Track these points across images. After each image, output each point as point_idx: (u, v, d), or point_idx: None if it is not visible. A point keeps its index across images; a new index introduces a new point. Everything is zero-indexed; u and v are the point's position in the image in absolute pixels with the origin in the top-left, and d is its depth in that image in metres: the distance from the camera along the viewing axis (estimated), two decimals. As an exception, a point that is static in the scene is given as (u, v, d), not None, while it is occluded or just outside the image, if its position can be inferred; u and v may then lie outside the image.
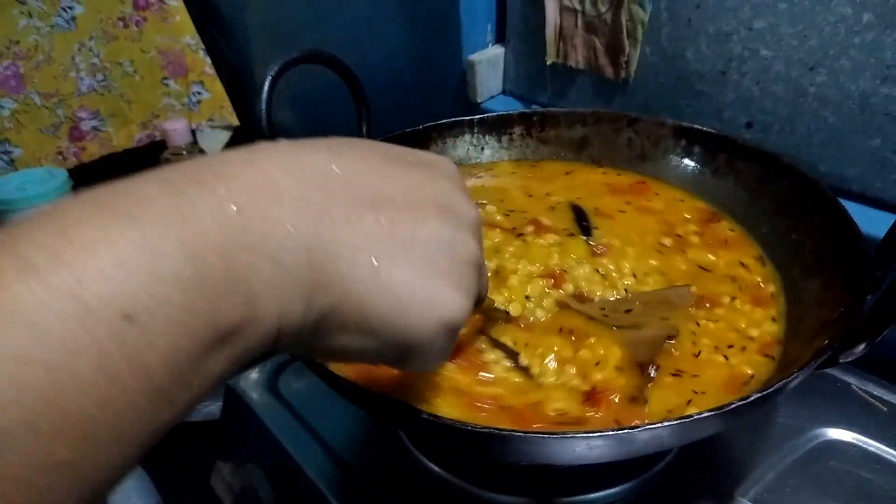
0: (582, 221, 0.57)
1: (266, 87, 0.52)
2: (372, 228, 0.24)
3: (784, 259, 0.53)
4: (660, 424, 0.33)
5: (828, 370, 0.55)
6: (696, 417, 0.34)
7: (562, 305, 0.48)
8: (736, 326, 0.47)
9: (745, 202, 0.58)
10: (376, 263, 0.24)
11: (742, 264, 0.53)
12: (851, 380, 0.55)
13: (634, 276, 0.51)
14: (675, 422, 0.34)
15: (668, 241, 0.55)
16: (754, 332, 0.46)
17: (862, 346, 0.35)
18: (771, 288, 0.50)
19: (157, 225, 0.20)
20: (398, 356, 0.27)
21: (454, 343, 0.29)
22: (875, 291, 0.39)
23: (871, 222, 0.48)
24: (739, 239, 0.56)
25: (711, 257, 0.54)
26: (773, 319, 0.47)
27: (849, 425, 0.50)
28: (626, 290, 0.50)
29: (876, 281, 0.39)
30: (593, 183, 0.64)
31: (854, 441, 0.50)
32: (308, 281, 0.23)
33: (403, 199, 0.26)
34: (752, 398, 0.34)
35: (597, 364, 0.44)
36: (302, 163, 0.24)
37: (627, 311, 0.48)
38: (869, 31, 0.55)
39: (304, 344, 0.25)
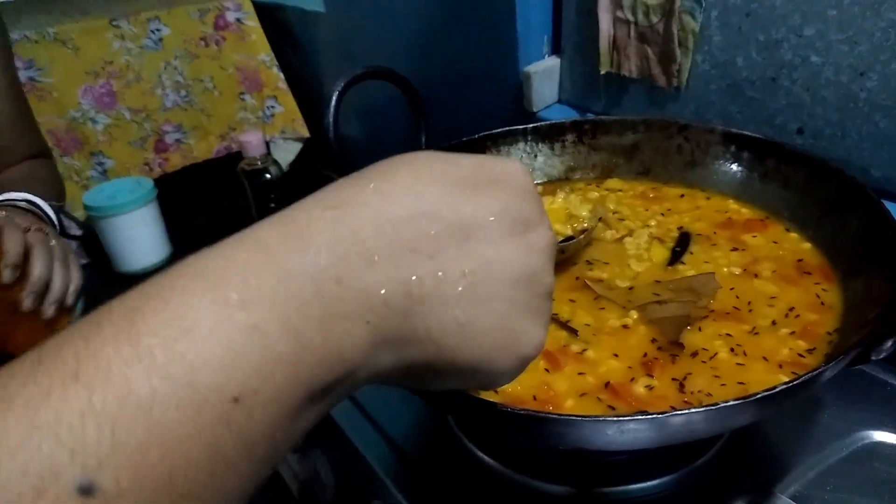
0: (678, 248, 0.59)
1: (333, 103, 0.57)
2: (456, 280, 0.25)
3: (831, 260, 0.54)
4: (691, 410, 0.36)
5: (876, 374, 0.56)
6: (725, 405, 0.36)
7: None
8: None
9: (793, 206, 0.59)
10: (463, 320, 0.25)
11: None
12: (900, 383, 0.55)
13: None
14: (708, 408, 0.36)
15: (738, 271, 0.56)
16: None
17: (890, 343, 0.36)
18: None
19: (263, 305, 0.21)
20: (478, 386, 0.29)
21: None
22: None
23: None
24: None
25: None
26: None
27: (894, 429, 0.51)
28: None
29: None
30: (706, 208, 0.64)
31: (900, 443, 0.50)
32: (400, 339, 0.24)
33: (482, 233, 0.26)
34: (778, 389, 0.35)
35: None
36: (389, 217, 0.24)
37: (656, 300, 0.50)
38: (920, 35, 0.55)
39: (390, 382, 0.27)
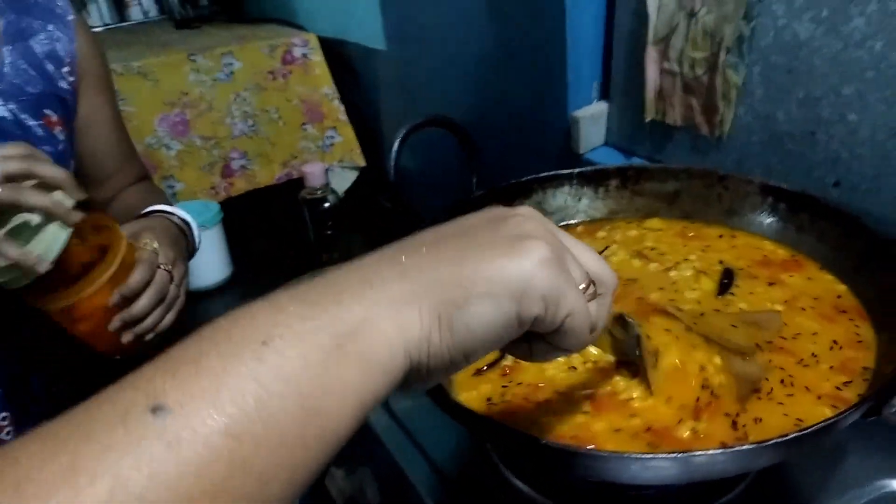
0: (725, 280, 0.62)
1: (395, 148, 0.62)
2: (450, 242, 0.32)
3: (865, 306, 0.56)
4: (715, 451, 0.39)
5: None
6: (742, 448, 0.39)
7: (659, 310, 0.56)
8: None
9: (827, 257, 0.61)
10: (464, 249, 0.32)
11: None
12: (927, 435, 0.56)
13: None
14: (730, 450, 0.39)
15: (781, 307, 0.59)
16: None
17: (901, 398, 0.39)
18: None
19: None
20: (531, 306, 0.31)
21: (571, 292, 0.32)
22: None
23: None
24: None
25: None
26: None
27: (917, 478, 0.52)
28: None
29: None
30: (742, 247, 0.68)
31: (922, 493, 0.51)
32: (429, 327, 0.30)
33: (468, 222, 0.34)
34: (791, 436, 0.38)
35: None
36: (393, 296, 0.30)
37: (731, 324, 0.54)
38: (955, 99, 0.57)
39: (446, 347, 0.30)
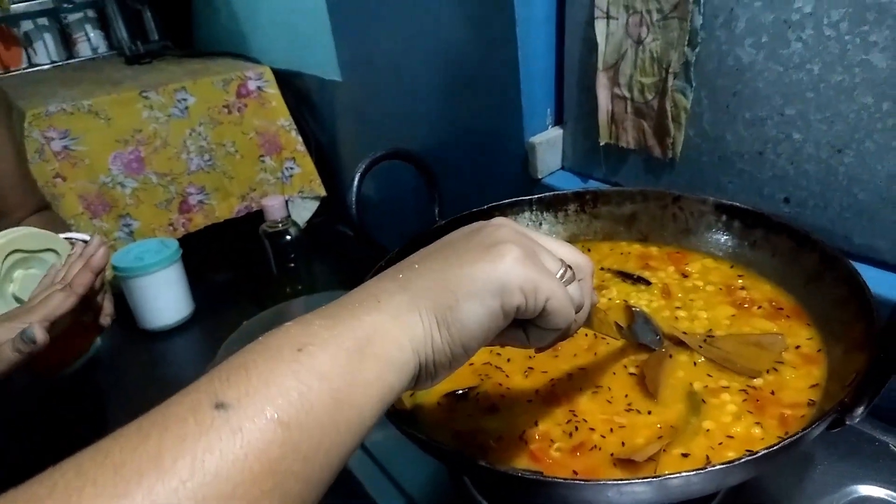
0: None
1: (355, 183, 0.62)
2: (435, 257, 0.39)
3: (817, 324, 0.58)
4: (689, 473, 0.40)
5: (865, 429, 0.60)
6: (714, 468, 0.40)
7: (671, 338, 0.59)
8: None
9: (781, 273, 0.64)
10: (448, 258, 0.38)
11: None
12: (888, 439, 0.58)
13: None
14: (701, 470, 0.40)
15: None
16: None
17: (861, 410, 0.40)
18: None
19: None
20: (512, 298, 0.37)
21: (549, 282, 0.38)
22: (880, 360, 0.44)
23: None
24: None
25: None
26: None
27: (883, 483, 0.54)
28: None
29: (886, 351, 0.45)
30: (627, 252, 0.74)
31: (887, 497, 0.53)
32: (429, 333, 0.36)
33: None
34: (761, 453, 0.40)
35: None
36: (401, 319, 0.36)
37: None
38: (890, 117, 0.60)
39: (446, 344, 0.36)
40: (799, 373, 0.54)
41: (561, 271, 0.40)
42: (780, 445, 0.40)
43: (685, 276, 0.68)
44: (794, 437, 0.41)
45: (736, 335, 0.59)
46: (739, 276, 0.66)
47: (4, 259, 0.72)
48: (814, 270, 0.60)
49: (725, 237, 0.69)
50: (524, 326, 0.41)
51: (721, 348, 0.57)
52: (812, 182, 0.68)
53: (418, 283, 0.37)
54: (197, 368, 1.01)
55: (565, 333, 0.42)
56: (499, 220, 0.41)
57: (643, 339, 0.58)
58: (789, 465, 0.57)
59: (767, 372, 0.54)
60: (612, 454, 0.48)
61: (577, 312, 0.41)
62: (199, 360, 1.12)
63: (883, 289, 0.58)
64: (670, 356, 0.57)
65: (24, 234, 0.76)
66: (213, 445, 0.27)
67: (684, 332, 0.59)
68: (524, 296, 0.37)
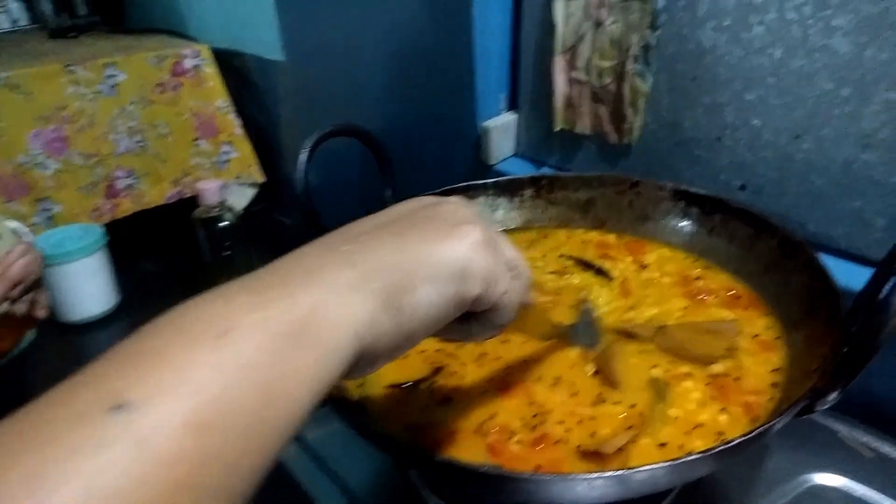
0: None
1: (303, 160, 0.58)
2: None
3: (776, 312, 0.57)
4: (655, 466, 0.37)
5: (817, 419, 0.59)
6: (686, 459, 0.37)
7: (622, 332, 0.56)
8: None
9: (739, 260, 0.62)
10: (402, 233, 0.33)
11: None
12: (839, 427, 0.58)
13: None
14: (668, 463, 0.37)
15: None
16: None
17: (834, 395, 0.39)
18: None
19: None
20: (471, 287, 0.33)
21: (498, 269, 0.35)
22: (849, 346, 0.43)
23: (855, 278, 0.52)
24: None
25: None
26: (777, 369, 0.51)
27: (836, 470, 0.54)
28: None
29: (850, 336, 0.43)
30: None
31: (841, 486, 0.52)
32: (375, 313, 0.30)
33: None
34: (735, 442, 0.37)
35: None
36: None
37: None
38: (848, 103, 0.60)
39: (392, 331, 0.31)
40: (758, 359, 0.52)
41: (514, 263, 0.37)
42: (755, 432, 0.38)
43: (643, 266, 0.66)
44: (768, 425, 0.39)
45: (688, 323, 0.57)
46: (698, 266, 0.65)
47: None
48: (773, 257, 0.59)
49: (683, 223, 0.67)
50: (468, 320, 0.37)
51: (674, 337, 0.55)
52: (769, 169, 0.67)
53: (369, 258, 0.31)
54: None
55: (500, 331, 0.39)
56: (456, 199, 0.37)
57: (581, 340, 0.55)
58: (744, 456, 0.56)
59: (723, 358, 0.52)
60: (578, 446, 0.45)
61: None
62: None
63: (839, 277, 0.57)
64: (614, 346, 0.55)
65: None
66: (110, 461, 0.21)
67: (636, 326, 0.57)
68: (485, 286, 0.33)
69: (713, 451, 0.37)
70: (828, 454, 0.56)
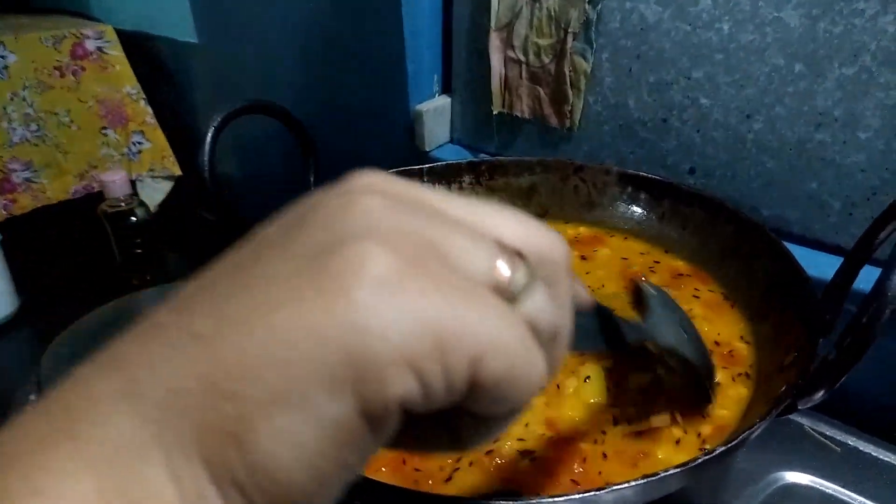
0: None
1: (208, 140, 0.51)
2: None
3: (738, 301, 0.53)
4: (625, 485, 0.33)
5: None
6: (660, 476, 0.33)
7: None
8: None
9: (694, 247, 0.59)
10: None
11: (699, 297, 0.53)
12: (804, 421, 0.55)
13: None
14: (640, 482, 0.33)
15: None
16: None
17: (821, 394, 0.35)
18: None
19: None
20: (402, 389, 0.18)
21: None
22: (826, 335, 0.39)
23: (811, 264, 0.49)
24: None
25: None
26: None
27: (805, 468, 0.51)
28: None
29: (827, 324, 0.40)
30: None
31: (811, 483, 0.50)
32: None
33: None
34: (717, 451, 0.33)
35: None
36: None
37: None
38: (801, 80, 0.57)
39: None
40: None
41: (506, 275, 0.19)
42: (737, 440, 0.34)
43: (583, 258, 0.61)
44: (751, 431, 0.34)
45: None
46: (651, 256, 0.61)
47: None
48: (730, 243, 0.55)
49: (632, 209, 0.63)
50: (444, 419, 0.21)
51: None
52: (719, 151, 0.63)
53: (163, 371, 0.17)
54: (20, 377, 0.84)
55: (526, 403, 0.20)
56: (355, 183, 0.21)
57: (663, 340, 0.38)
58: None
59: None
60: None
61: (549, 345, 0.21)
62: (23, 365, 0.94)
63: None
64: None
65: None
66: None
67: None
68: (418, 372, 0.17)
69: (690, 465, 0.33)
70: (796, 452, 0.53)
